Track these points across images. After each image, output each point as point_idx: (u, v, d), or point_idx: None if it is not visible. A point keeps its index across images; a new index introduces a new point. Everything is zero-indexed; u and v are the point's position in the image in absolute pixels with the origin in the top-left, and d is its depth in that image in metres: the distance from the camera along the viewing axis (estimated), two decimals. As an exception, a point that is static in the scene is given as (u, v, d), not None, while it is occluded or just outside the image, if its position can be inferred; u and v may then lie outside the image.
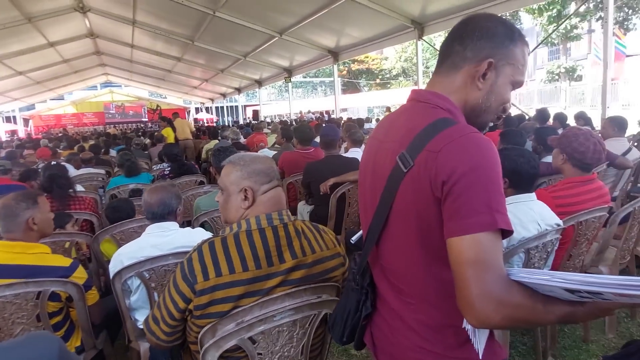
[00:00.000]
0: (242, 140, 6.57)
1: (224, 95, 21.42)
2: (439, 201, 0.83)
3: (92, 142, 9.07)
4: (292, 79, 14.18)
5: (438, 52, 1.02)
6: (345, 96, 27.16)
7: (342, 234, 3.23)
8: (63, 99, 26.27)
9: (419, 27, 7.60)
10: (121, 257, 1.79)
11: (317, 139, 4.27)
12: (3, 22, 8.92)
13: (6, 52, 11.23)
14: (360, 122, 8.60)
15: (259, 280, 1.23)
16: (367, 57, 32.73)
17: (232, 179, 1.35)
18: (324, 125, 7.09)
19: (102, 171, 4.89)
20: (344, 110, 23.55)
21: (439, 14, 7.09)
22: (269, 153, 4.83)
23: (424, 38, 7.90)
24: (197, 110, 27.65)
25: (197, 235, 1.92)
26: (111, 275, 1.77)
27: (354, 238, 1.29)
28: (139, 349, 1.90)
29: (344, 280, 1.44)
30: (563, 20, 18.37)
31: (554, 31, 18.80)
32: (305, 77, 38.91)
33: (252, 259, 1.23)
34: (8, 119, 23.38)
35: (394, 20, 7.58)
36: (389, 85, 33.21)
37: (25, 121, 24.21)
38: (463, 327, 0.88)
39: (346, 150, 4.29)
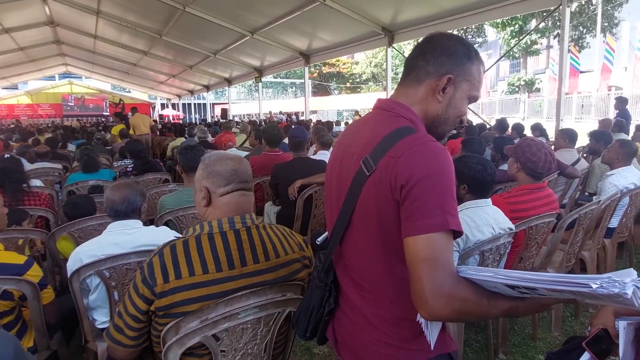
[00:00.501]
0: (210, 139, 6.48)
1: (191, 92, 20.97)
2: (398, 203, 0.90)
3: (48, 135, 8.60)
4: (262, 79, 14.12)
5: (404, 64, 1.09)
6: (316, 98, 27.31)
7: (308, 235, 3.27)
8: (17, 89, 24.78)
9: (389, 34, 7.80)
10: (80, 255, 1.74)
11: (286, 140, 4.30)
12: (-50, 4, 8.35)
13: (-47, 35, 10.50)
14: (329, 125, 8.69)
15: (219, 282, 1.24)
16: (339, 61, 33.07)
17: (197, 176, 1.37)
18: (293, 126, 7.13)
19: (59, 166, 4.65)
20: (314, 112, 23.71)
21: (409, 22, 7.31)
22: (240, 153, 4.80)
23: (393, 45, 8.12)
24: (163, 106, 26.90)
25: (162, 234, 1.89)
26: (69, 273, 1.71)
27: (320, 239, 1.33)
28: (96, 350, 1.85)
29: (309, 281, 1.48)
30: (524, 35, 19.43)
31: (515, 45, 19.84)
32: (276, 78, 38.75)
33: (213, 262, 1.24)
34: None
35: (365, 27, 7.74)
36: (358, 90, 33.66)
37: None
38: (417, 320, 0.94)
39: (315, 153, 4.34)
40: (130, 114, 10.47)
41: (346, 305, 1.08)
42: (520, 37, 19.48)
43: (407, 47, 24.55)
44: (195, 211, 2.52)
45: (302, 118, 15.00)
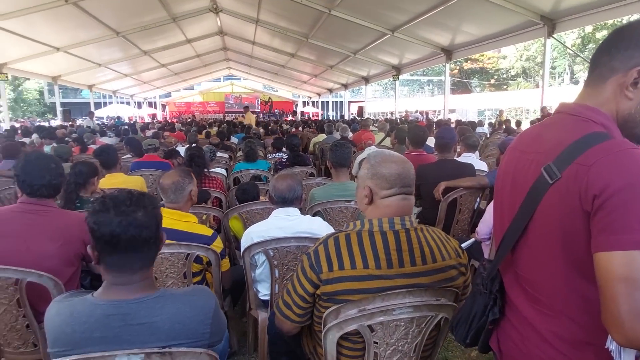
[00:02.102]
0: (350, 136, 6.73)
1: (330, 90, 22.09)
2: (588, 215, 0.83)
3: (216, 128, 10.19)
4: (399, 77, 14.00)
5: (590, 62, 0.99)
6: (455, 96, 25.76)
7: (450, 240, 3.13)
8: (192, 89, 30.02)
9: (550, 23, 6.85)
10: (252, 235, 2.03)
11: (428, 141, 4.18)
12: (154, 22, 10.52)
13: (154, 47, 13.22)
14: (472, 125, 8.12)
15: (377, 279, 1.28)
16: (482, 56, 30.52)
17: (361, 174, 1.43)
18: (434, 126, 6.89)
19: (226, 155, 5.48)
20: (452, 111, 22.41)
21: (576, 9, 6.28)
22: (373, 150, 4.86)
23: (554, 36, 7.10)
24: (304, 103, 28.99)
25: (317, 224, 2.07)
26: (242, 249, 2.02)
27: (465, 245, 1.28)
28: (257, 317, 2.13)
29: (464, 288, 1.43)
30: None
31: None
32: (412, 75, 37.93)
33: (373, 258, 1.29)
34: (150, 104, 27.54)
35: (519, 16, 6.96)
36: (504, 87, 30.55)
37: (163, 107, 28.35)
38: (606, 347, 0.84)
39: (458, 155, 4.13)
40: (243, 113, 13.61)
41: (515, 317, 1.03)
42: None
43: (569, 36, 21.23)
44: (342, 205, 2.68)
45: (439, 117, 14.38)
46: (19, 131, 9.35)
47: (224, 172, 4.32)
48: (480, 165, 4.00)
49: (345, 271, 1.27)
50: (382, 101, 33.33)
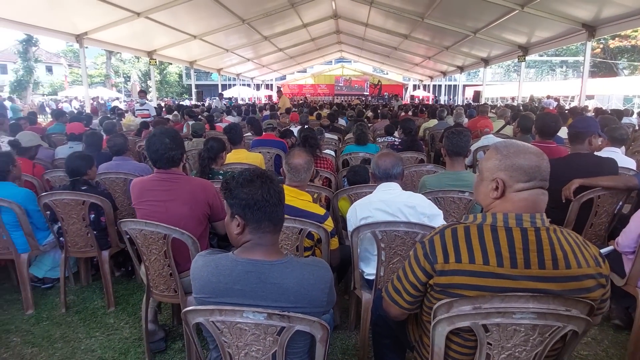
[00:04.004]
0: (464, 122, 6.30)
1: (444, 73, 20.83)
2: None
3: (326, 110, 10.51)
4: (526, 58, 12.49)
5: None
6: (595, 80, 22.03)
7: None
8: (305, 72, 31.27)
9: None
10: (356, 207, 2.18)
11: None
12: (275, 8, 11.15)
13: (273, 32, 14.06)
14: (618, 114, 6.89)
15: (499, 278, 1.20)
16: (636, 32, 25.30)
17: (489, 165, 1.31)
18: (567, 114, 6.04)
19: (335, 137, 5.63)
20: (590, 97, 19.31)
21: None
22: (495, 140, 4.47)
23: None
24: (415, 87, 27.92)
25: (418, 199, 2.13)
26: (349, 227, 2.12)
27: (604, 251, 1.10)
28: (361, 297, 2.19)
29: (601, 302, 1.25)
30: None
31: None
32: (541, 56, 33.60)
33: (495, 255, 1.20)
34: (267, 86, 29.57)
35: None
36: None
37: (278, 89, 30.15)
38: None
39: (599, 149, 3.56)
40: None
41: None
42: None
43: None
44: (454, 195, 2.55)
45: (572, 104, 12.52)
46: (164, 109, 10.96)
47: (332, 153, 4.46)
48: (627, 163, 3.41)
49: (462, 264, 1.22)
50: (502, 85, 30.24)
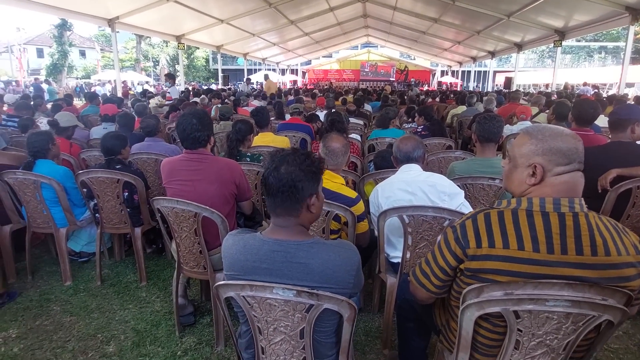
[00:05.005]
0: (494, 109, 6.10)
1: (474, 59, 20.15)
2: None
3: (351, 95, 10.40)
4: (562, 43, 11.90)
5: None
6: (635, 67, 20.79)
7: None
8: (331, 57, 30.98)
9: None
10: (378, 188, 2.23)
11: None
12: (300, -9, 10.98)
13: (299, 17, 13.92)
14: (661, 102, 6.50)
15: (534, 264, 1.17)
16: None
17: (523, 151, 1.27)
18: (606, 102, 5.75)
19: (361, 122, 5.59)
20: (630, 85, 18.30)
21: None
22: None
23: None
24: (443, 73, 27.18)
25: (437, 178, 2.16)
26: (373, 209, 2.20)
27: None
28: (386, 280, 2.20)
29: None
30: None
31: None
32: (579, 41, 32.00)
33: (530, 240, 1.17)
34: (292, 71, 29.51)
35: None
36: None
37: (303, 74, 30.07)
38: None
39: (638, 138, 3.39)
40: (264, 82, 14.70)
41: None
42: None
43: None
44: (484, 182, 2.49)
45: (610, 92, 11.90)
46: (191, 92, 11.14)
47: (358, 137, 4.43)
48: (671, 153, 3.23)
49: (496, 250, 1.20)
50: (535, 72, 29.02)
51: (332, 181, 2.15)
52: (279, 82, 23.77)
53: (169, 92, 9.43)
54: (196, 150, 2.23)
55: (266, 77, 16.10)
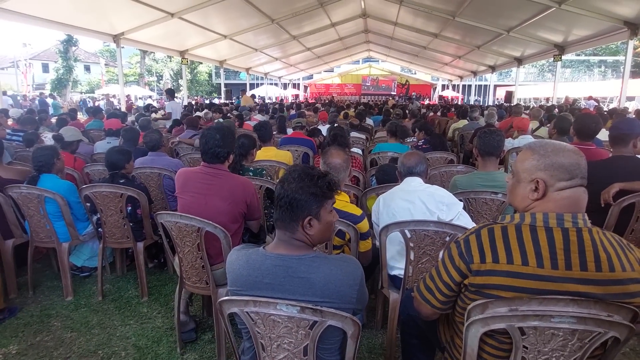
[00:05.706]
0: (496, 123, 6.13)
1: (474, 73, 20.33)
2: None
3: (353, 109, 10.48)
4: (562, 57, 12.00)
5: None
6: (635, 81, 20.91)
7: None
8: (332, 71, 31.32)
9: None
10: (380, 197, 2.30)
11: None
12: (304, 8, 11.20)
13: (301, 32, 14.13)
14: (662, 116, 6.52)
15: (538, 279, 1.17)
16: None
17: (526, 166, 1.28)
18: (607, 116, 5.78)
19: (363, 136, 5.61)
20: (631, 99, 18.39)
21: None
22: (530, 140, 4.33)
23: None
24: (444, 87, 27.40)
25: (439, 191, 2.21)
26: (374, 218, 2.26)
27: None
28: (389, 296, 2.18)
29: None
30: None
31: None
32: (578, 55, 32.27)
33: (535, 256, 1.17)
34: (294, 85, 29.81)
35: None
36: None
37: (305, 88, 30.35)
38: None
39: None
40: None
41: None
42: None
43: None
44: (487, 196, 2.50)
45: (610, 105, 11.94)
46: (194, 107, 11.25)
47: (360, 152, 4.44)
48: (673, 167, 3.23)
49: (500, 265, 1.20)
50: (535, 85, 29.20)
51: (338, 199, 2.14)
52: (281, 96, 24.02)
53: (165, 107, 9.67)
54: (214, 165, 2.26)
55: (243, 92, 18.44)
